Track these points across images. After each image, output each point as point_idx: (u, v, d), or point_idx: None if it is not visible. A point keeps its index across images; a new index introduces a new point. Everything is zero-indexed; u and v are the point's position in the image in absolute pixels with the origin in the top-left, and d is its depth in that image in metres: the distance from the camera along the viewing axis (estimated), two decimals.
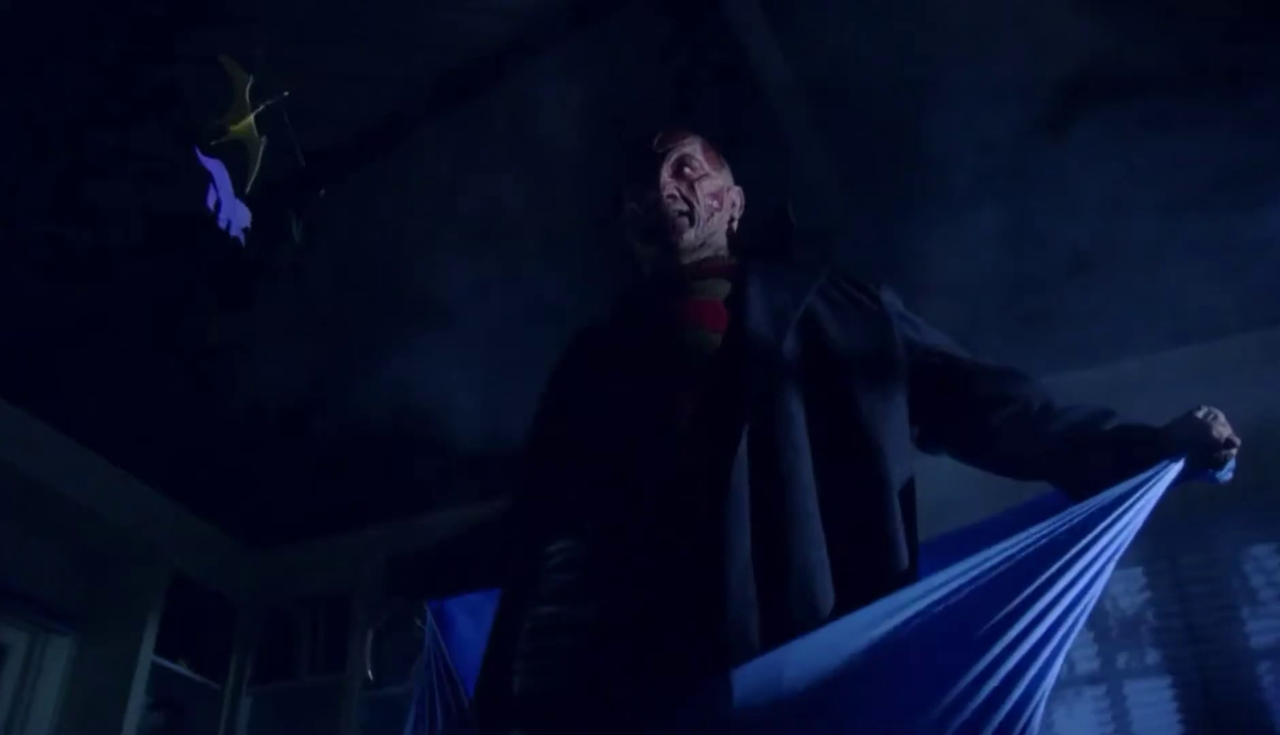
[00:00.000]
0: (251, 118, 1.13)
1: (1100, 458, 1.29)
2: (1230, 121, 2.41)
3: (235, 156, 1.24)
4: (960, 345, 1.46)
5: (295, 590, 4.00)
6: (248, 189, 1.14)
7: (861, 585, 1.15)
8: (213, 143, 1.15)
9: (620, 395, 1.39)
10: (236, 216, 1.14)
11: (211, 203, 1.12)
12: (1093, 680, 2.86)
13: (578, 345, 1.57)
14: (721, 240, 1.58)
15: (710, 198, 1.55)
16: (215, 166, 1.12)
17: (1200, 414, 1.28)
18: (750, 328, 1.35)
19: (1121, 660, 2.90)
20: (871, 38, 2.33)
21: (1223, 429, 1.27)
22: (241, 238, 1.17)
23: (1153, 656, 2.88)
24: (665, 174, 1.53)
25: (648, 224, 1.52)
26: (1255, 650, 2.80)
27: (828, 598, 1.15)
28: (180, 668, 3.70)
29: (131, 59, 2.19)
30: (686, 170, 1.55)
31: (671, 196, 1.52)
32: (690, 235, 1.52)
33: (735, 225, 1.62)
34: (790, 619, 1.12)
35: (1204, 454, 1.27)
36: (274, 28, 1.89)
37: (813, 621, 1.11)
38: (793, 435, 1.25)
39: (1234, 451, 1.28)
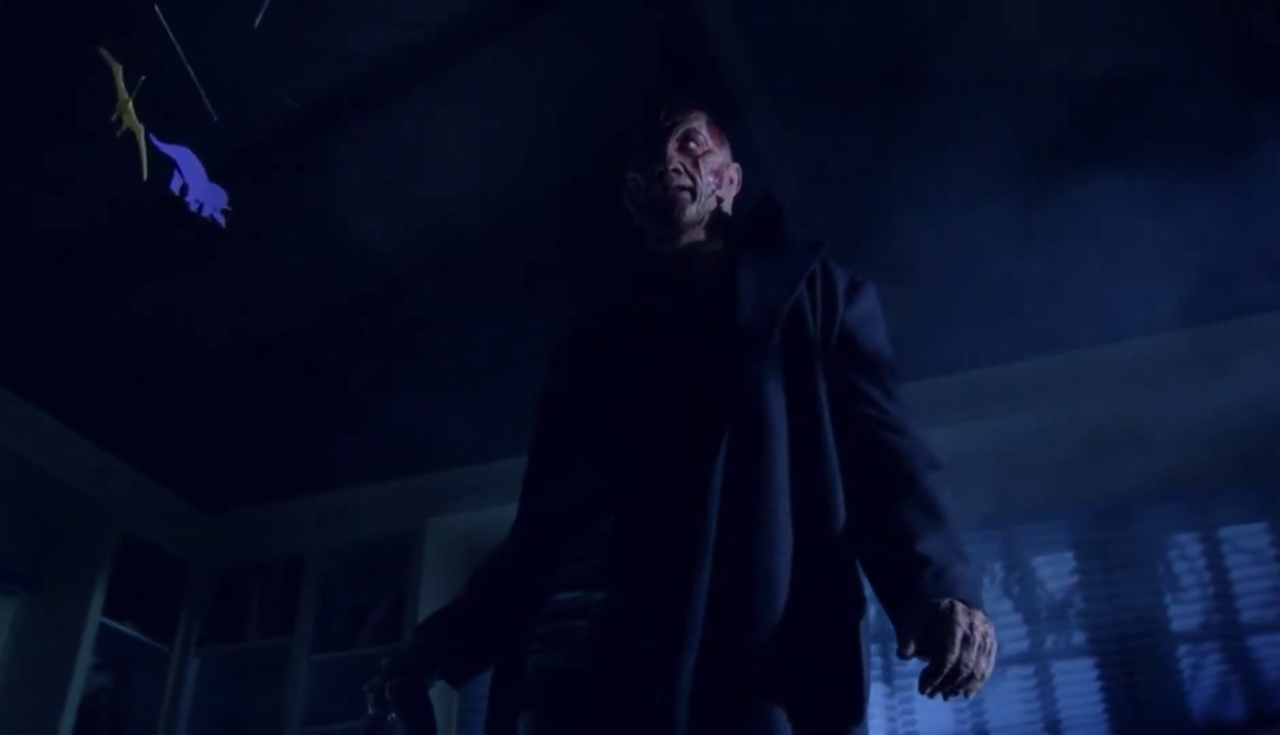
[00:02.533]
0: (130, 105, 1.14)
1: (889, 569, 1.27)
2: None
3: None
4: (894, 373, 1.44)
5: (245, 553, 4.00)
6: (144, 176, 1.15)
7: (821, 603, 1.22)
8: (118, 133, 1.16)
9: (614, 394, 1.42)
10: (210, 199, 1.16)
11: (176, 186, 1.13)
12: (1021, 660, 2.98)
13: (570, 342, 1.59)
14: (719, 217, 1.59)
15: (712, 174, 1.57)
16: (181, 152, 1.13)
17: (955, 630, 1.14)
18: (740, 322, 1.38)
19: (1049, 642, 3.01)
20: (838, 26, 2.36)
21: (955, 651, 1.13)
22: (220, 219, 1.18)
23: (1079, 638, 3.00)
24: (671, 148, 1.54)
25: (650, 196, 1.54)
26: (1176, 634, 2.93)
27: (783, 611, 1.20)
28: (128, 629, 3.69)
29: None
30: (691, 145, 1.56)
31: (676, 170, 1.53)
32: (692, 210, 1.54)
33: (731, 202, 1.64)
34: (752, 632, 1.18)
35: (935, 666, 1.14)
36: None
37: (773, 647, 1.18)
38: (771, 442, 1.29)
39: (971, 679, 1.15)
